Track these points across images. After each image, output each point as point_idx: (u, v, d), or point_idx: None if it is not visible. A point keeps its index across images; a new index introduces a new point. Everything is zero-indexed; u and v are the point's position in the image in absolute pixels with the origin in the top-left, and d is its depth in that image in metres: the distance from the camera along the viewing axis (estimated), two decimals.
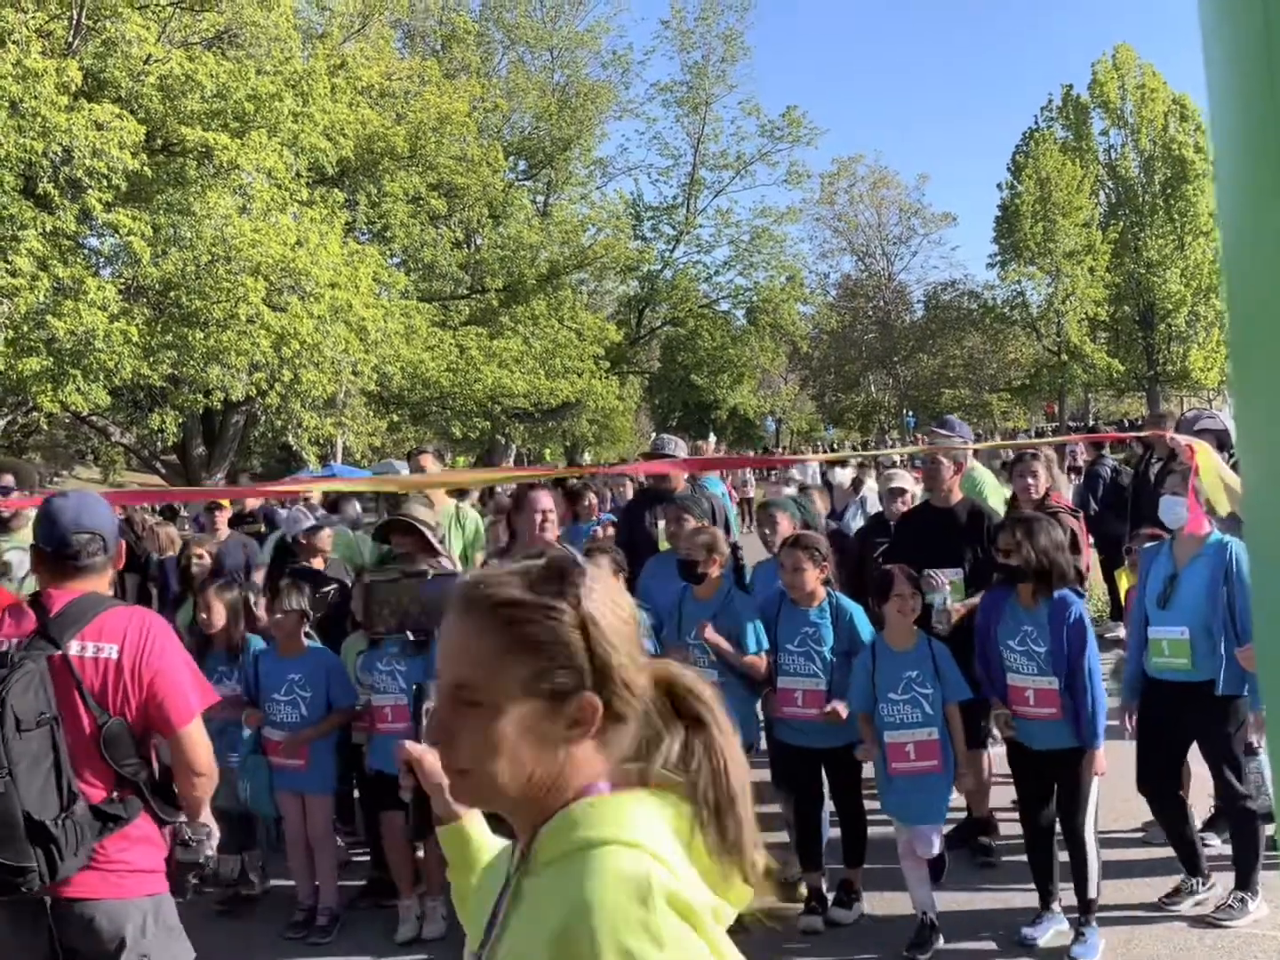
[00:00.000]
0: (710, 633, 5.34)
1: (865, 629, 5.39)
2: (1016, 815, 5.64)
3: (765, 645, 5.41)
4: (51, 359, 16.20)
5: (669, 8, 42.70)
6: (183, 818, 3.31)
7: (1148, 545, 5.76)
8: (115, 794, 3.13)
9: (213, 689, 3.50)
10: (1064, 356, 46.34)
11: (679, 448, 7.46)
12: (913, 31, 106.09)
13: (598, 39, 39.45)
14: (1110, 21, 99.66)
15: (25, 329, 15.86)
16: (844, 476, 8.76)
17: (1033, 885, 5.29)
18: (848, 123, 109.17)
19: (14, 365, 15.73)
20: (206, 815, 3.38)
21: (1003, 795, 6.45)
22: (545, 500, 6.15)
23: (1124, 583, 8.17)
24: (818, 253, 56.24)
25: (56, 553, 3.24)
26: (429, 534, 5.96)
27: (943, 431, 7.16)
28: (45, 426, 28.70)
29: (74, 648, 3.11)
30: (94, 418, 24.17)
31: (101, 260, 19.74)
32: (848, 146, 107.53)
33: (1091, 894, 5.04)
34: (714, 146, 41.04)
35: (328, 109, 22.19)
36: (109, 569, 3.35)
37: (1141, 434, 10.27)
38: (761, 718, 6.02)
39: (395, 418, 28.75)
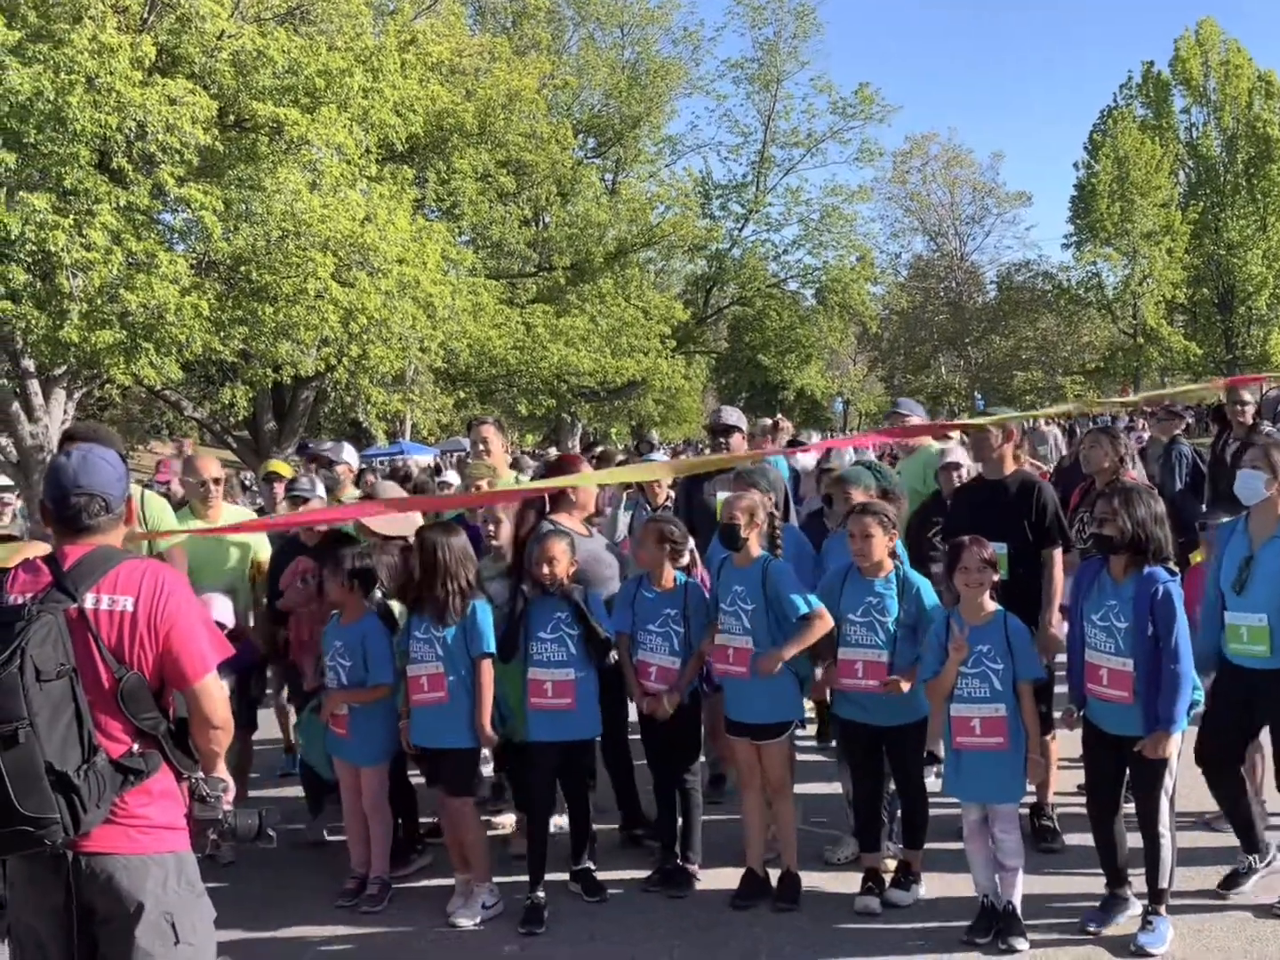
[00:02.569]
0: (766, 663, 5.23)
1: (932, 602, 5.26)
2: (1081, 800, 5.50)
3: (815, 603, 5.28)
4: (124, 332, 16.40)
5: None
6: (200, 773, 3.29)
7: (1223, 522, 5.56)
8: (135, 747, 3.11)
9: (228, 642, 3.47)
10: (1140, 339, 45.50)
11: (740, 419, 7.35)
12: (990, 5, 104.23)
13: (669, 15, 39.18)
14: None
15: (99, 302, 16.06)
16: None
17: (1098, 871, 5.15)
18: (922, 100, 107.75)
19: (88, 338, 15.95)
20: (222, 770, 3.36)
21: (1068, 779, 6.31)
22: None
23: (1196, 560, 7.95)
24: (889, 232, 55.68)
25: (58, 511, 3.22)
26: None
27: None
28: (120, 400, 29.18)
29: (89, 600, 3.09)
30: (167, 392, 24.51)
31: (174, 235, 19.95)
32: (921, 124, 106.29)
33: (1163, 883, 4.89)
34: (785, 124, 40.68)
35: (398, 85, 22.20)
36: (117, 526, 3.31)
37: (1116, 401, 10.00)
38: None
39: (462, 395, 28.87)
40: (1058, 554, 5.83)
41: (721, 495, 6.29)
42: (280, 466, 8.22)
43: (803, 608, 5.23)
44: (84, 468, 3.23)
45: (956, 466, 7.09)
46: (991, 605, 5.04)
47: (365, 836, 5.76)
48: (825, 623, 5.26)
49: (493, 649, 5.43)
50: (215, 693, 3.27)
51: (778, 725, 5.32)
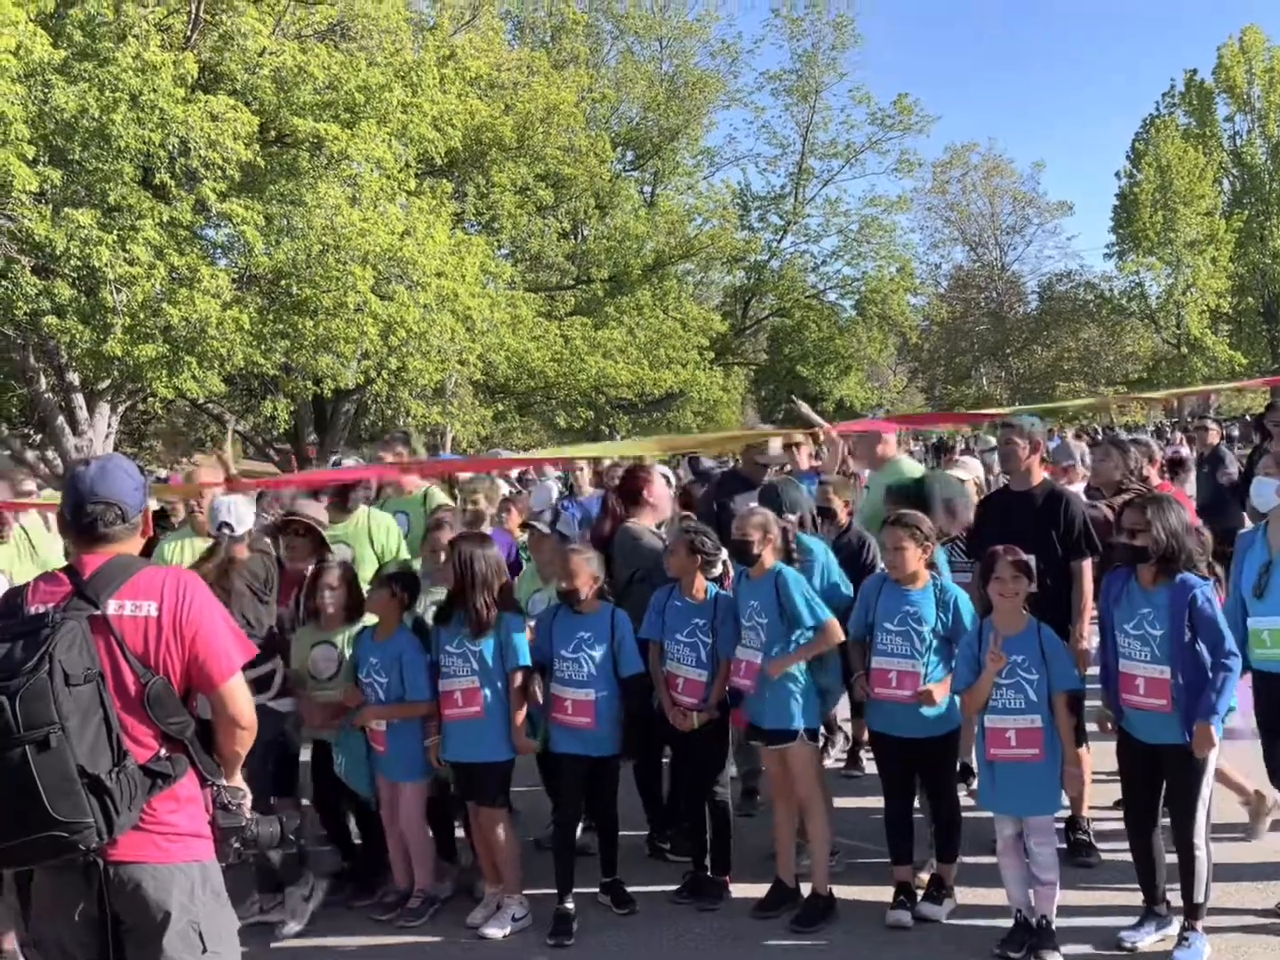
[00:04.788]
0: (775, 666, 5.23)
1: (969, 613, 5.22)
2: (1117, 814, 5.44)
3: (824, 615, 5.27)
4: (167, 346, 16.61)
5: None
6: (224, 780, 3.30)
7: (1242, 531, 5.52)
8: (162, 751, 3.14)
9: (251, 643, 3.49)
10: (1184, 349, 44.99)
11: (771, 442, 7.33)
12: (1029, 15, 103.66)
13: (707, 28, 39.29)
14: (1237, 2, 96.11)
15: (142, 316, 16.27)
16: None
17: (1134, 886, 5.09)
18: (961, 109, 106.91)
19: (131, 352, 16.16)
20: (238, 778, 3.38)
21: (1103, 793, 6.24)
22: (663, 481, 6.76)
23: None
24: (928, 243, 55.35)
25: (75, 520, 3.25)
26: (323, 532, 6.29)
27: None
28: (163, 414, 29.50)
29: (112, 606, 3.12)
30: (209, 405, 24.81)
31: (216, 249, 20.20)
32: (961, 134, 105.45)
33: (1199, 898, 4.82)
34: (823, 135, 40.64)
35: (437, 100, 22.40)
36: (134, 535, 3.33)
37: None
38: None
39: (501, 407, 29.01)
40: (1087, 565, 5.78)
41: (753, 504, 6.28)
42: None
43: (808, 620, 5.23)
44: (101, 477, 3.26)
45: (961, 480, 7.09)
46: (1025, 615, 5.00)
47: (405, 853, 5.72)
48: (832, 633, 5.26)
49: (527, 661, 5.41)
50: (241, 694, 3.29)
51: (791, 731, 5.30)
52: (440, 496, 7.78)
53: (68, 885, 3.08)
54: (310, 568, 6.07)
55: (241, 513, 5.72)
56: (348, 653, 5.79)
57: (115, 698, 3.04)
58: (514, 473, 12.11)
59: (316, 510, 6.39)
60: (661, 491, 6.50)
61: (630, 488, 6.42)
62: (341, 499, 7.09)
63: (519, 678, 5.39)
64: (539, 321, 27.72)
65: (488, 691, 5.36)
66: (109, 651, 3.06)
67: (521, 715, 5.41)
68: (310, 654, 5.84)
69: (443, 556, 5.87)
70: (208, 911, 3.17)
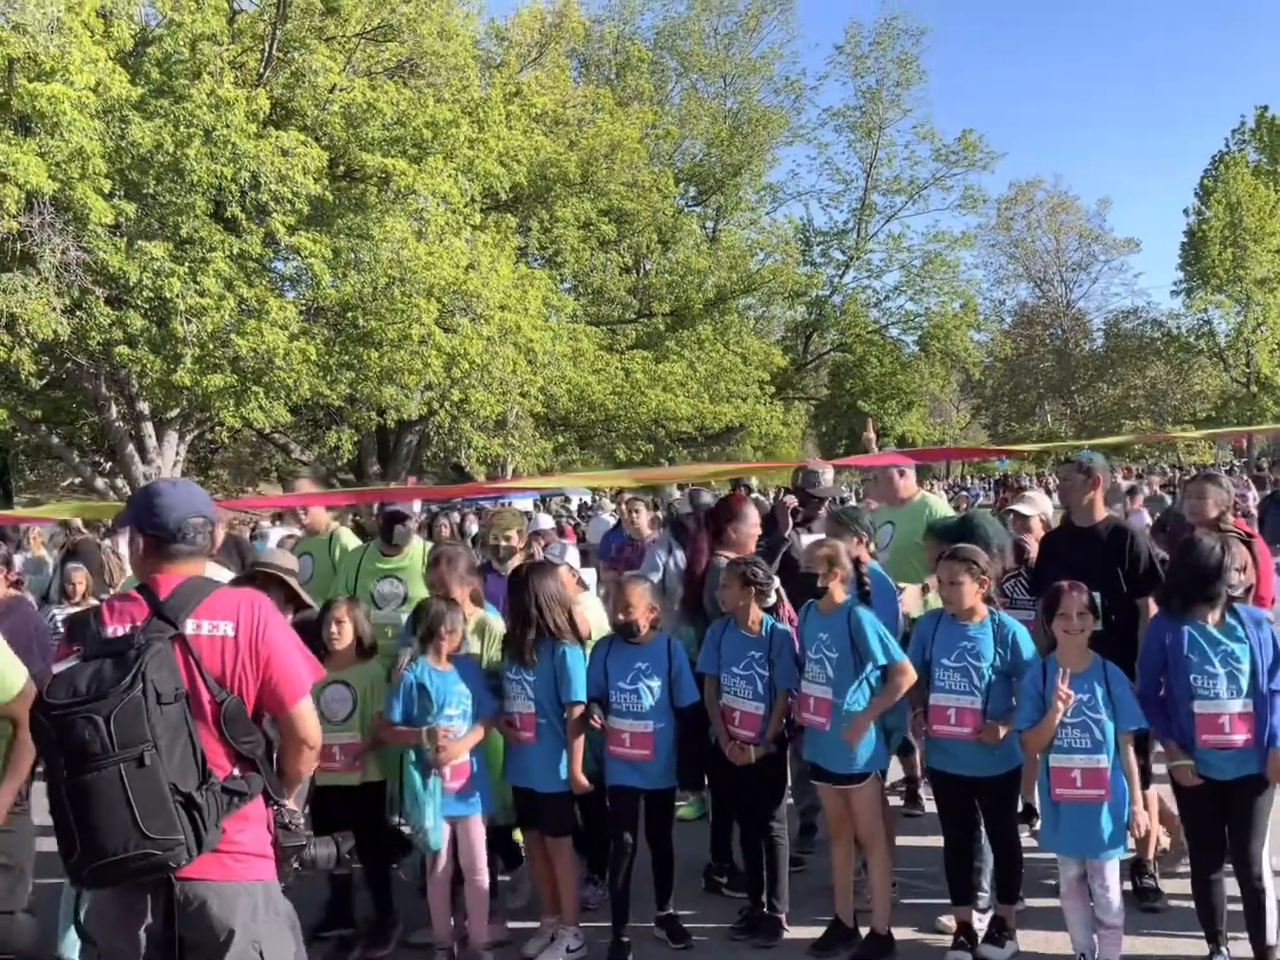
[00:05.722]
0: (854, 733, 5.15)
1: (1029, 649, 5.13)
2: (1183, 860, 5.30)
3: (898, 655, 5.20)
4: (235, 376, 16.91)
5: (843, 33, 42.38)
6: (289, 802, 3.32)
7: None
8: (236, 771, 3.16)
9: (320, 665, 3.52)
10: (1253, 388, 44.29)
11: (824, 474, 7.27)
12: (1096, 52, 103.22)
13: (770, 65, 39.56)
14: None
15: (211, 347, 16.59)
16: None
17: (1200, 934, 4.96)
18: (1027, 146, 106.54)
19: (200, 382, 16.46)
20: (293, 800, 3.40)
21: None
22: (754, 515, 6.54)
23: None
24: (993, 278, 55.17)
25: (160, 537, 3.29)
26: (294, 583, 5.73)
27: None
28: (229, 443, 29.96)
29: (190, 626, 3.15)
30: (275, 435, 25.16)
31: (284, 282, 20.55)
32: (1026, 170, 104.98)
33: (1271, 939, 4.70)
34: (886, 171, 40.68)
35: (502, 136, 22.70)
36: (202, 556, 3.38)
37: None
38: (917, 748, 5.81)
39: (561, 439, 29.14)
40: (1153, 602, 5.67)
41: (805, 540, 6.23)
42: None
43: (881, 658, 5.16)
44: (171, 497, 3.33)
45: (1024, 518, 6.98)
46: (1090, 653, 4.92)
47: (454, 902, 5.42)
48: (907, 676, 5.18)
49: (582, 697, 5.32)
50: (311, 715, 3.33)
51: (859, 775, 5.23)
52: (348, 537, 7.20)
53: (135, 901, 3.10)
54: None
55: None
56: (359, 690, 5.41)
57: (194, 717, 3.08)
58: (574, 504, 12.15)
59: (286, 560, 5.95)
60: (747, 528, 6.44)
61: (721, 524, 6.41)
62: (388, 532, 6.70)
63: (575, 711, 5.36)
64: (600, 355, 27.88)
65: (543, 720, 5.33)
66: (187, 671, 3.10)
67: (578, 751, 5.36)
68: (320, 694, 5.25)
69: (333, 629, 5.46)
70: (270, 931, 3.18)
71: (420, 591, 6.33)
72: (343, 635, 5.45)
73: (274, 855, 3.27)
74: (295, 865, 3.32)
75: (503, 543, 6.93)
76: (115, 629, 3.14)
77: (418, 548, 6.71)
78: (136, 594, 3.24)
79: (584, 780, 5.35)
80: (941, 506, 7.20)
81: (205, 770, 3.03)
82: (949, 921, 5.46)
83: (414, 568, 6.53)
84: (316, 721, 3.36)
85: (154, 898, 3.07)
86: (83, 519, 10.48)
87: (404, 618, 6.12)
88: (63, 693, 2.96)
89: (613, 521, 9.98)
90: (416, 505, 7.02)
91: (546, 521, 9.09)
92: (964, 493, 29.00)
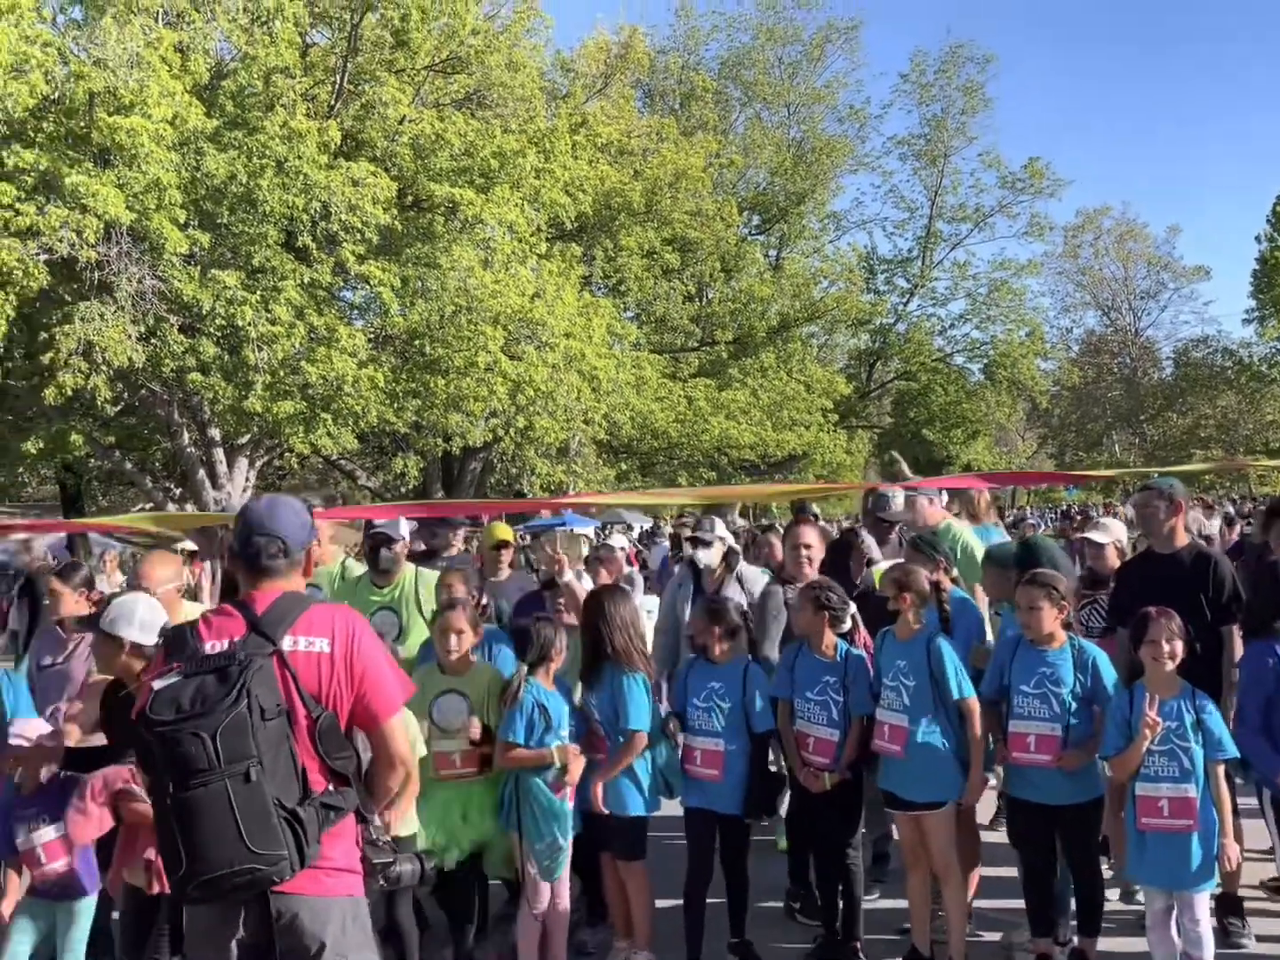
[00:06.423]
0: (970, 798, 5.16)
1: (1110, 675, 5.03)
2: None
3: (970, 691, 5.15)
4: (304, 403, 17.14)
5: (908, 61, 42.34)
6: (378, 819, 3.33)
7: None
8: (331, 786, 3.17)
9: (411, 681, 3.53)
10: None
11: (896, 498, 7.20)
12: (1166, 78, 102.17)
13: (835, 94, 39.57)
14: None
15: (282, 374, 16.82)
16: (710, 557, 6.95)
17: None
18: (1094, 173, 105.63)
19: (270, 408, 16.69)
20: (389, 814, 3.41)
21: (1249, 872, 5.93)
22: (807, 534, 6.51)
23: None
24: (1059, 306, 54.62)
25: (241, 552, 3.34)
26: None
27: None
28: (297, 469, 30.33)
29: (287, 643, 3.18)
30: (342, 461, 25.45)
31: (353, 310, 20.83)
32: (1094, 198, 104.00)
33: None
34: (952, 199, 40.45)
35: (568, 165, 22.91)
36: (297, 572, 3.39)
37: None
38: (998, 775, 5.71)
39: (624, 466, 29.18)
40: (1238, 630, 5.55)
41: (880, 566, 6.17)
42: (504, 532, 7.74)
43: (954, 694, 5.09)
44: (269, 513, 3.37)
45: (1099, 546, 6.88)
46: (1179, 680, 4.81)
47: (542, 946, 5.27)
48: (973, 715, 5.11)
49: (638, 726, 5.26)
50: (402, 732, 3.34)
51: (934, 803, 5.15)
52: (355, 568, 6.99)
53: (228, 913, 3.12)
54: None
55: (145, 619, 4.46)
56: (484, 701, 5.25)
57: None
58: (635, 531, 12.08)
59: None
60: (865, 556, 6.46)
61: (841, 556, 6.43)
62: (374, 557, 6.53)
63: (632, 739, 5.30)
64: (663, 383, 27.95)
65: (610, 744, 5.32)
66: (285, 687, 3.12)
67: (608, 772, 5.26)
68: (435, 702, 5.23)
69: (452, 640, 5.29)
70: (356, 945, 3.18)
71: (415, 621, 6.35)
72: (461, 645, 5.29)
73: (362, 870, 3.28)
74: (381, 882, 3.33)
75: (544, 566, 6.80)
76: (214, 645, 3.16)
77: (409, 574, 6.59)
78: (233, 609, 3.27)
79: (600, 805, 5.22)
80: (966, 534, 7.07)
81: (306, 786, 3.05)
82: (1018, 938, 5.38)
83: (406, 597, 6.45)
84: (407, 738, 3.38)
85: (247, 911, 3.09)
86: (160, 530, 10.59)
87: (400, 651, 6.01)
88: (167, 709, 2.98)
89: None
90: (404, 528, 6.79)
91: (619, 541, 8.81)
92: (1026, 522, 28.59)
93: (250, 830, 2.90)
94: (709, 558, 6.90)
